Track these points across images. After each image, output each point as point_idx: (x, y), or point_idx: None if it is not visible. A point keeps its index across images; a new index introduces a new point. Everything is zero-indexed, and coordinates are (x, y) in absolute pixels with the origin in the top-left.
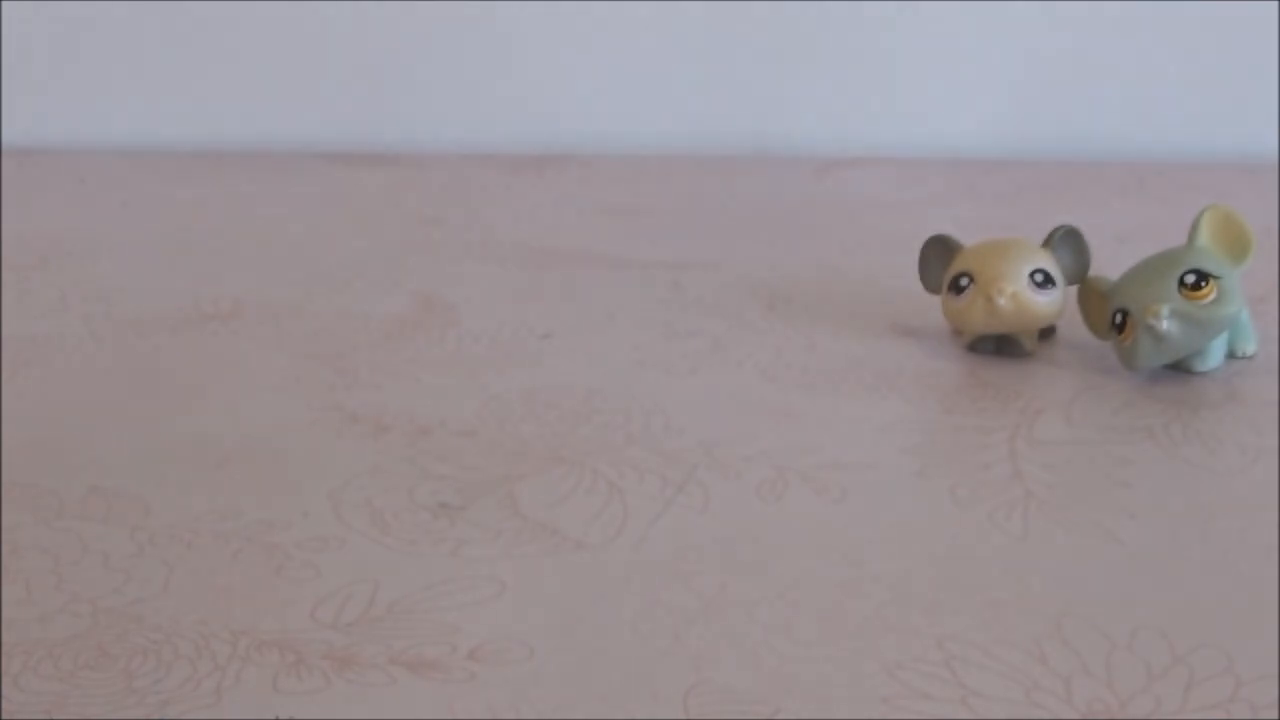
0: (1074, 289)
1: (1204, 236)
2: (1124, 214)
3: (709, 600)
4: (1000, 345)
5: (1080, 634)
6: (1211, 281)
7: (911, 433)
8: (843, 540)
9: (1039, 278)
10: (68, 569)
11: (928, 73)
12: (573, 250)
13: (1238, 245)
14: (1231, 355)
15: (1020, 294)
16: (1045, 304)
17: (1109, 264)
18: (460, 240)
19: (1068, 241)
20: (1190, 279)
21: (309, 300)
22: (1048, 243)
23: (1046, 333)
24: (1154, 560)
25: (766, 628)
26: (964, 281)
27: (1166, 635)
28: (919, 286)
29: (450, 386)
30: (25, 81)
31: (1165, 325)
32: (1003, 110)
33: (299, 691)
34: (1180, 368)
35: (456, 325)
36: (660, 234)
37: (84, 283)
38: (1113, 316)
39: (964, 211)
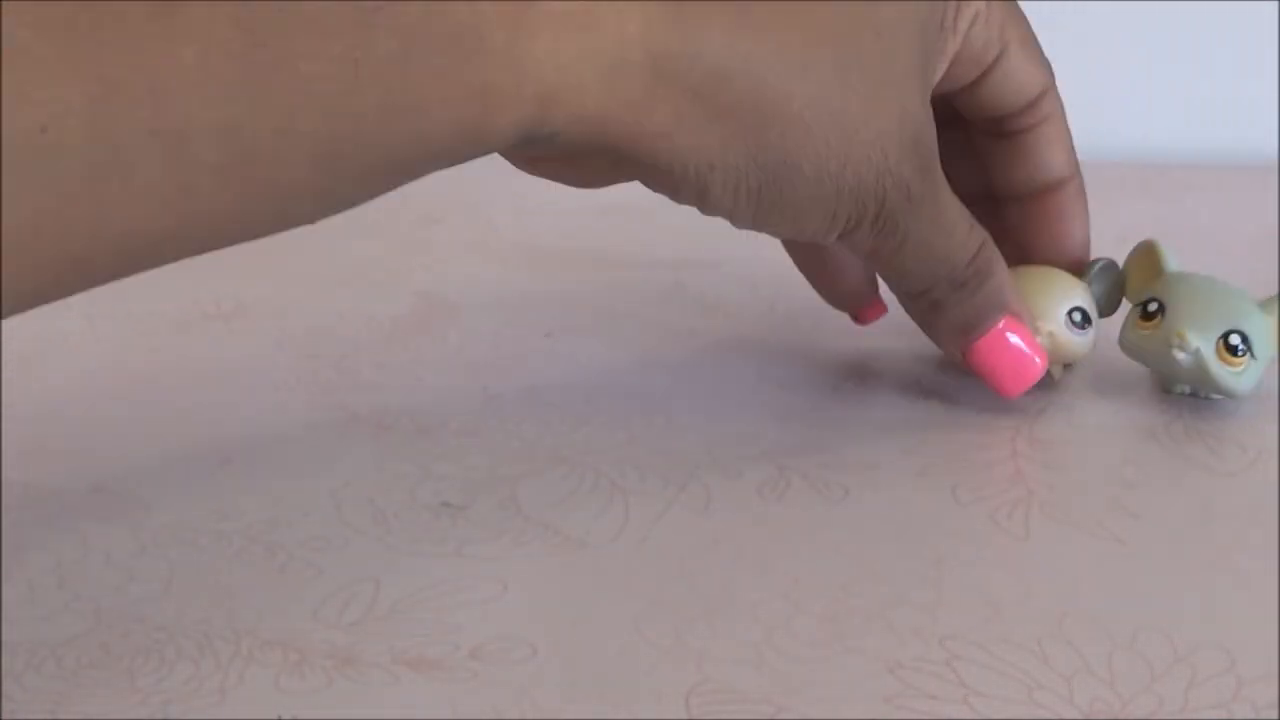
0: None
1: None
2: (1124, 214)
3: (711, 600)
4: None
5: (1082, 633)
6: (1245, 356)
7: (913, 432)
8: (844, 540)
9: (1077, 317)
10: (69, 568)
11: None
12: (573, 250)
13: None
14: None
15: (1057, 334)
16: (1080, 344)
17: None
18: (461, 240)
19: (1105, 275)
20: (1235, 340)
21: (310, 300)
22: (1085, 274)
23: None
24: (1156, 560)
25: (768, 627)
26: None
27: (1168, 634)
28: None
29: (452, 386)
30: None
31: (1182, 358)
32: None
33: (301, 691)
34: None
35: (457, 325)
36: (661, 234)
37: None
38: (1147, 300)
39: None
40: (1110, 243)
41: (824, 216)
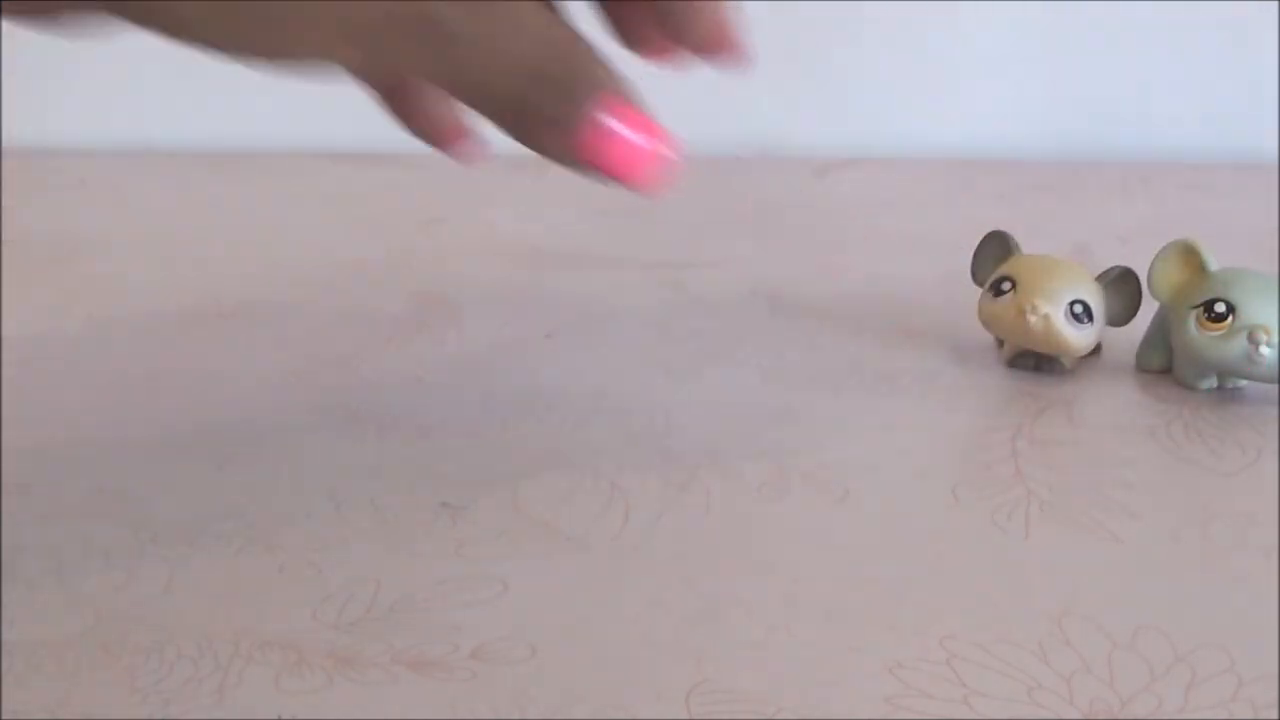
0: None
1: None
2: (1124, 214)
3: (711, 600)
4: (1040, 363)
5: (1081, 633)
6: None
7: (912, 432)
8: (844, 539)
9: (1077, 309)
10: (69, 568)
11: (928, 73)
12: (573, 250)
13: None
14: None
15: (1052, 318)
16: (1075, 337)
17: (1109, 264)
18: (460, 240)
19: (1120, 283)
20: None
21: (310, 300)
22: (1101, 277)
23: (1091, 354)
24: (1155, 559)
25: (768, 627)
26: (1005, 285)
27: (1168, 634)
28: (919, 287)
29: (451, 386)
30: (25, 81)
31: (1268, 353)
32: (1003, 110)
33: (301, 691)
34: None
35: (457, 325)
36: (660, 234)
37: (84, 283)
38: (1211, 302)
39: (964, 211)
40: (1111, 243)
41: (327, 28)
